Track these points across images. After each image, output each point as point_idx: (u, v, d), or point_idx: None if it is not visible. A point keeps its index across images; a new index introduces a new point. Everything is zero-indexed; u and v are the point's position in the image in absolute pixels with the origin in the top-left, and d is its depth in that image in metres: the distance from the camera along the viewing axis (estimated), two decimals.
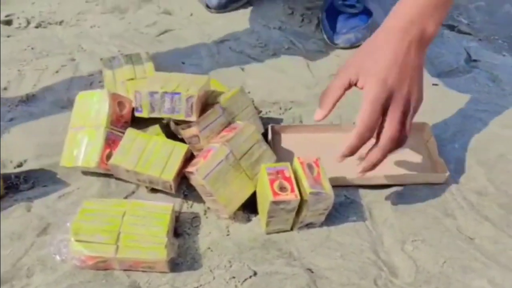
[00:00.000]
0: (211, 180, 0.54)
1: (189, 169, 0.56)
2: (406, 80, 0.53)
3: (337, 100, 0.55)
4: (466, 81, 0.83)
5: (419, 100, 0.55)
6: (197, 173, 0.54)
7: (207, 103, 0.63)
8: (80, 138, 0.60)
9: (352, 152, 0.55)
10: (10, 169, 0.64)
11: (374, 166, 0.56)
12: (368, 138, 0.53)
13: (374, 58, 0.54)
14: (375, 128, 0.53)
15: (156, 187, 0.60)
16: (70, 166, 0.60)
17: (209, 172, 0.54)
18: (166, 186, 0.58)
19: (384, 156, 0.55)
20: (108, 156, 0.58)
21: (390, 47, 0.53)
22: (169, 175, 0.56)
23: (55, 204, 0.60)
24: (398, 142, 0.54)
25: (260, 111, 0.74)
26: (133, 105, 0.62)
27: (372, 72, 0.53)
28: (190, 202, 0.61)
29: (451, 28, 0.97)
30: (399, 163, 0.66)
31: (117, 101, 0.61)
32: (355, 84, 0.54)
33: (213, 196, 0.55)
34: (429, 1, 0.54)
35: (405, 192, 0.64)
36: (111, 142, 0.59)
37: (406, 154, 0.68)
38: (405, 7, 0.55)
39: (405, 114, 0.53)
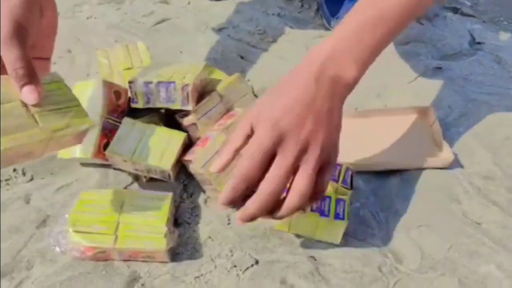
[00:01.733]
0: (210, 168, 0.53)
1: (187, 157, 0.55)
2: (307, 125, 0.43)
3: (238, 150, 0.46)
4: (470, 64, 0.82)
5: (330, 147, 0.45)
6: (195, 162, 0.53)
7: (204, 91, 0.62)
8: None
9: (226, 204, 0.45)
10: None
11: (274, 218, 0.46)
12: (245, 190, 0.44)
13: (273, 102, 0.45)
14: (254, 179, 0.44)
15: (155, 177, 0.59)
16: (67, 158, 0.59)
17: (207, 160, 0.53)
18: (165, 175, 0.57)
19: (286, 214, 0.45)
20: (105, 146, 0.57)
21: (293, 91, 0.45)
22: (167, 164, 0.55)
23: (53, 197, 0.59)
24: (300, 197, 0.44)
25: None
26: (129, 95, 0.61)
27: (266, 116, 0.44)
28: (189, 191, 0.60)
29: (454, 10, 0.95)
30: (402, 148, 0.65)
31: (113, 90, 0.60)
32: None
33: (212, 184, 0.54)
34: (350, 42, 0.46)
35: (410, 177, 0.62)
36: (107, 132, 0.58)
37: (410, 138, 0.66)
38: (321, 47, 0.47)
39: (311, 163, 0.43)
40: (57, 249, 0.52)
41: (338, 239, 0.54)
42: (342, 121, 0.67)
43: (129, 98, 0.61)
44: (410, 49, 0.84)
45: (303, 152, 0.43)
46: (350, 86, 0.47)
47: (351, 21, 0.48)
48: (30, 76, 0.43)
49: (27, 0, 0.45)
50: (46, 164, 0.63)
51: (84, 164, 0.63)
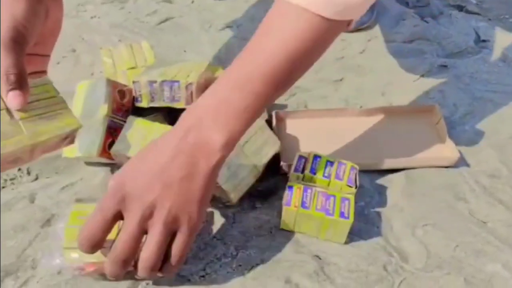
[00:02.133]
0: None
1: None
2: (155, 190, 0.43)
3: (104, 238, 0.44)
4: (476, 62, 0.81)
5: (179, 213, 0.43)
6: None
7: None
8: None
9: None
10: None
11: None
12: (93, 251, 0.44)
13: (131, 162, 0.45)
14: (101, 238, 0.43)
15: None
16: (72, 157, 0.59)
17: None
18: None
19: (143, 276, 0.44)
20: (110, 145, 0.57)
21: (151, 157, 0.44)
22: None
23: (58, 196, 0.59)
24: (146, 262, 0.43)
25: None
26: (133, 94, 0.61)
27: (115, 180, 0.44)
28: None
29: (459, 8, 0.94)
30: (408, 146, 0.64)
31: (117, 89, 0.60)
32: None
33: (218, 183, 0.54)
34: (215, 108, 0.45)
35: (415, 176, 0.62)
36: (112, 130, 0.58)
37: (415, 136, 0.66)
38: (188, 114, 0.46)
39: (156, 227, 0.43)
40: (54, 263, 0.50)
41: (343, 238, 0.54)
42: (345, 120, 0.68)
43: (134, 97, 0.61)
44: (415, 47, 0.84)
45: (148, 215, 0.42)
46: (219, 153, 0.44)
47: (219, 85, 0.46)
48: (20, 83, 0.43)
49: (32, 3, 0.46)
50: (51, 163, 0.63)
51: (88, 163, 0.63)
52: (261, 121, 0.59)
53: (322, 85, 0.76)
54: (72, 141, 0.47)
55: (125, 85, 0.61)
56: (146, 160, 0.45)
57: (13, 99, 0.42)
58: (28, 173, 0.62)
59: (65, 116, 0.46)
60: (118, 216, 0.43)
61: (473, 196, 0.60)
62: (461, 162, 0.64)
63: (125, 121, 0.58)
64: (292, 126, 0.68)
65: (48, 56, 0.54)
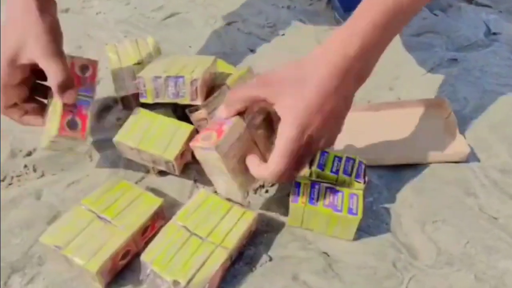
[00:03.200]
0: (229, 157, 0.49)
1: (202, 144, 0.49)
2: (326, 131, 0.47)
3: (245, 106, 0.49)
4: (486, 55, 0.79)
5: (328, 146, 0.50)
6: (217, 150, 0.48)
7: (214, 85, 0.61)
8: (49, 112, 0.58)
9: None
10: (19, 158, 0.63)
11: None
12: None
13: (299, 91, 0.45)
14: (286, 174, 0.47)
15: (160, 168, 0.58)
16: (46, 146, 0.57)
17: (227, 148, 0.49)
18: (169, 167, 0.56)
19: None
20: (69, 123, 0.55)
21: (320, 85, 0.45)
22: (171, 155, 0.55)
23: (64, 192, 0.59)
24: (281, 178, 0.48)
25: None
26: (137, 90, 0.60)
27: (293, 110, 0.45)
28: (200, 188, 0.59)
29: (469, 1, 0.92)
30: (417, 142, 0.63)
31: (78, 65, 0.58)
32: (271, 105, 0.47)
33: (228, 175, 0.51)
34: (374, 38, 0.45)
35: (424, 171, 0.61)
36: (72, 107, 0.56)
37: (424, 131, 0.65)
38: (347, 41, 0.45)
39: (318, 148, 0.50)
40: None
41: (351, 235, 0.53)
42: (355, 115, 0.67)
43: (137, 94, 0.60)
44: (424, 41, 0.82)
45: (315, 151, 0.50)
46: (362, 82, 0.48)
47: (373, 12, 0.46)
48: (72, 83, 0.54)
49: (53, 14, 0.55)
50: (57, 160, 0.63)
51: (94, 160, 0.63)
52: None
53: None
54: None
55: (89, 59, 0.59)
56: (310, 87, 0.45)
57: (68, 95, 0.53)
58: (34, 170, 0.62)
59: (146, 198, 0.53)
60: None
61: (484, 191, 0.59)
62: (471, 157, 0.62)
63: (90, 97, 0.57)
64: None
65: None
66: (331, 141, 0.50)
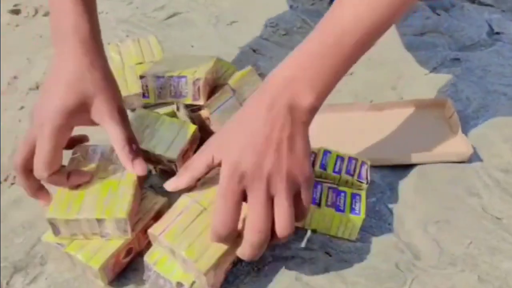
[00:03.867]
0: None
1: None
2: (268, 159, 0.41)
3: (199, 176, 0.46)
4: (489, 55, 0.79)
5: (296, 173, 0.42)
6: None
7: (216, 85, 0.61)
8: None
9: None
10: None
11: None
12: (231, 236, 0.43)
13: (232, 135, 0.44)
14: (235, 222, 0.42)
15: (163, 168, 0.58)
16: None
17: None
18: (171, 167, 0.56)
19: (282, 239, 0.43)
20: None
21: (249, 126, 0.43)
22: (173, 154, 0.54)
23: None
24: (285, 229, 0.42)
25: None
26: (140, 90, 0.60)
27: (226, 159, 0.43)
28: None
29: (472, 0, 0.92)
30: (420, 141, 0.63)
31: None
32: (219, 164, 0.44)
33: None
34: (305, 69, 0.44)
35: (427, 172, 0.61)
36: None
37: (427, 131, 0.65)
38: (275, 76, 0.44)
39: (281, 195, 0.42)
40: None
41: (354, 235, 0.53)
42: (357, 114, 0.67)
43: (140, 94, 0.60)
44: (427, 40, 0.82)
45: (270, 186, 0.42)
46: (308, 112, 0.44)
47: (308, 46, 0.45)
48: (137, 152, 0.49)
49: (108, 69, 0.50)
50: None
51: None
52: None
53: None
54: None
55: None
56: (241, 130, 0.43)
57: (138, 166, 0.48)
58: None
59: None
60: (242, 197, 0.42)
61: (487, 191, 0.59)
62: (474, 157, 0.62)
63: None
64: None
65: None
66: (294, 166, 0.42)
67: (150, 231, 0.46)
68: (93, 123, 0.48)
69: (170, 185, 0.46)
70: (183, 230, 0.45)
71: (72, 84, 0.46)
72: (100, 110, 0.47)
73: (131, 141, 0.49)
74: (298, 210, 0.44)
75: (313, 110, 0.44)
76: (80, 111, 0.46)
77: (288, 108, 0.43)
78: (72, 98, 0.45)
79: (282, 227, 0.42)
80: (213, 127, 0.59)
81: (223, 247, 0.44)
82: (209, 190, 0.48)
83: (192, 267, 0.44)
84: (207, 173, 0.45)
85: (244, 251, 0.43)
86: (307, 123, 0.44)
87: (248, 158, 0.42)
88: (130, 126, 0.49)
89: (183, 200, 0.47)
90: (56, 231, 0.47)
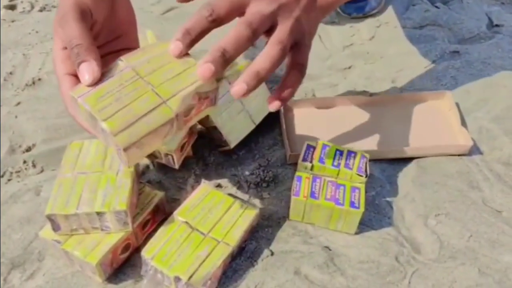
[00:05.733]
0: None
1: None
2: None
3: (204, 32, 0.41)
4: (489, 47, 0.79)
5: (308, 25, 0.43)
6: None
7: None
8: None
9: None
10: (19, 154, 0.63)
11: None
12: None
13: None
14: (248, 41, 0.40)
15: (160, 161, 0.58)
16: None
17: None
18: (169, 160, 0.56)
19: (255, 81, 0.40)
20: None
21: None
22: (171, 146, 0.54)
23: None
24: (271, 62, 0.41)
25: (271, 87, 0.72)
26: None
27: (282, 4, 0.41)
28: (200, 181, 0.59)
29: None
30: (419, 135, 0.63)
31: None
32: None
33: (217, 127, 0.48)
34: None
35: (427, 165, 0.60)
36: None
37: (426, 124, 0.64)
38: None
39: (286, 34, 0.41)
40: None
41: (353, 229, 0.53)
42: (356, 108, 0.67)
43: None
44: (426, 33, 0.81)
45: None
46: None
47: None
48: (87, 53, 0.39)
49: None
50: (56, 156, 0.62)
51: None
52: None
53: (331, 73, 0.75)
54: (214, 102, 0.43)
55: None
56: None
57: (82, 72, 0.39)
58: (34, 165, 0.61)
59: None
60: None
61: (487, 184, 0.58)
62: (474, 149, 0.62)
63: None
64: (300, 115, 0.66)
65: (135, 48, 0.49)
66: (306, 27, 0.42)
67: (72, 93, 0.39)
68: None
69: (173, 49, 0.40)
70: (110, 95, 0.38)
71: None
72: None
73: (76, 42, 0.40)
74: (299, 60, 0.43)
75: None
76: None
77: None
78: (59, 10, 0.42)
79: (263, 59, 0.41)
80: (210, 120, 0.58)
81: (150, 126, 0.38)
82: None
83: (112, 140, 0.38)
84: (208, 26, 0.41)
85: (245, 78, 0.40)
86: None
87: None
88: (89, 31, 0.41)
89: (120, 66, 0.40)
90: (56, 227, 0.47)
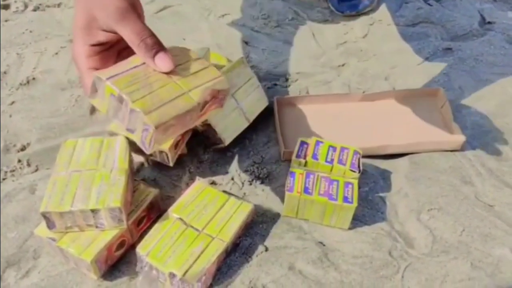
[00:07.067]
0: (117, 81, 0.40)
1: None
2: None
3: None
4: (481, 44, 0.79)
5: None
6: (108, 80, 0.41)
7: None
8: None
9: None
10: (13, 153, 0.63)
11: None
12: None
13: None
14: None
15: (155, 159, 0.58)
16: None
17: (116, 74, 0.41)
18: (163, 157, 0.56)
19: None
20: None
21: None
22: (165, 144, 0.54)
23: None
24: None
25: (265, 85, 0.72)
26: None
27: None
28: (195, 178, 0.59)
29: None
30: (412, 131, 0.63)
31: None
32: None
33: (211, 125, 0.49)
34: None
35: (419, 160, 0.61)
36: None
37: (419, 121, 0.65)
38: None
39: None
40: None
41: (347, 224, 0.53)
42: (350, 104, 0.67)
43: None
44: (419, 30, 0.82)
45: None
46: None
47: None
48: (160, 44, 0.42)
49: None
50: (51, 155, 0.62)
51: None
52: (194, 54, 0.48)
53: (324, 70, 0.75)
54: (221, 105, 0.46)
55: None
56: None
57: (162, 61, 0.42)
58: (28, 164, 0.61)
59: (212, 73, 0.45)
60: None
61: (480, 179, 0.59)
62: (467, 145, 0.62)
63: None
64: (294, 112, 0.67)
65: None
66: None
67: (99, 74, 0.41)
68: (108, 33, 0.44)
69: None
70: (137, 82, 0.41)
71: (79, 3, 0.43)
72: (104, 19, 0.42)
73: (147, 34, 0.42)
74: None
75: None
76: (90, 28, 0.43)
77: None
78: (81, 16, 0.43)
79: None
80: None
81: (177, 110, 0.40)
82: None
83: (141, 120, 0.40)
84: None
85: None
86: None
87: None
88: (143, 21, 0.44)
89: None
90: (50, 225, 0.47)
